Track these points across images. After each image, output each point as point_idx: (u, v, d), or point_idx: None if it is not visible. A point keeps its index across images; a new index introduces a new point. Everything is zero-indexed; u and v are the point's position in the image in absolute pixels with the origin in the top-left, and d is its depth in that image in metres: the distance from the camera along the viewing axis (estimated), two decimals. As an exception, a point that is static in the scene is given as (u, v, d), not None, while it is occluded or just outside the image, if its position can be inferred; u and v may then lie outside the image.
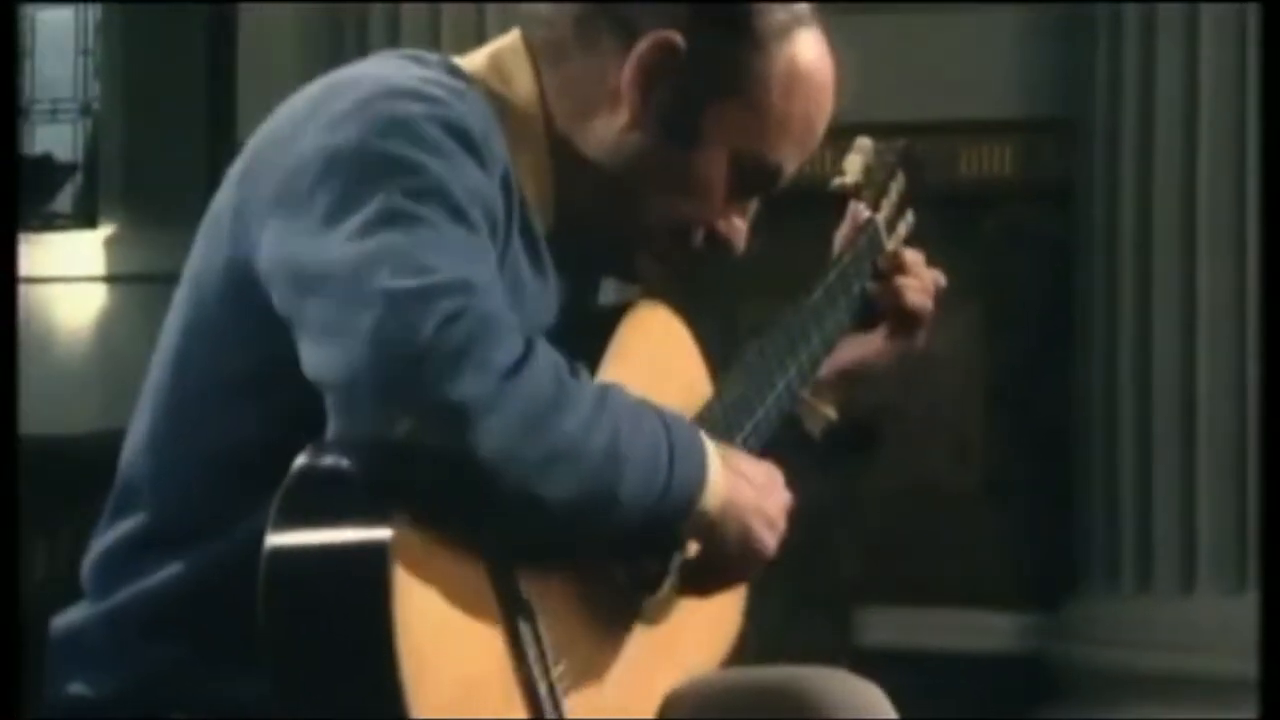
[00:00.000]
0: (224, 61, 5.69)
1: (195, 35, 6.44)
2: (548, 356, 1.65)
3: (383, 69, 1.83)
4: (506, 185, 1.77)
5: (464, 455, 1.58)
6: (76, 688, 1.80)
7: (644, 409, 1.73)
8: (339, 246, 1.64)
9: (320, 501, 1.61)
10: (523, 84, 1.88)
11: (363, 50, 3.94)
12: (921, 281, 2.19)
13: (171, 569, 1.77)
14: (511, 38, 1.91)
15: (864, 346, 2.19)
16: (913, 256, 2.21)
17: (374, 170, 1.68)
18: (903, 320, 2.19)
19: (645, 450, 1.70)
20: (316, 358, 1.64)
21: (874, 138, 2.27)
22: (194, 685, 1.74)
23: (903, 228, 2.29)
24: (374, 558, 1.58)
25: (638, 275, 1.95)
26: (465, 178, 1.70)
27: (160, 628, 1.76)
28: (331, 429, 1.62)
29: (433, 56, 1.87)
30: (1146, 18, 4.50)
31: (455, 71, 1.85)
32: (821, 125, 1.93)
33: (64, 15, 6.98)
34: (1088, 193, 4.64)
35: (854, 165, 2.23)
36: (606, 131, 1.86)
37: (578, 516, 1.66)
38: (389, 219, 1.64)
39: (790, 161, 1.91)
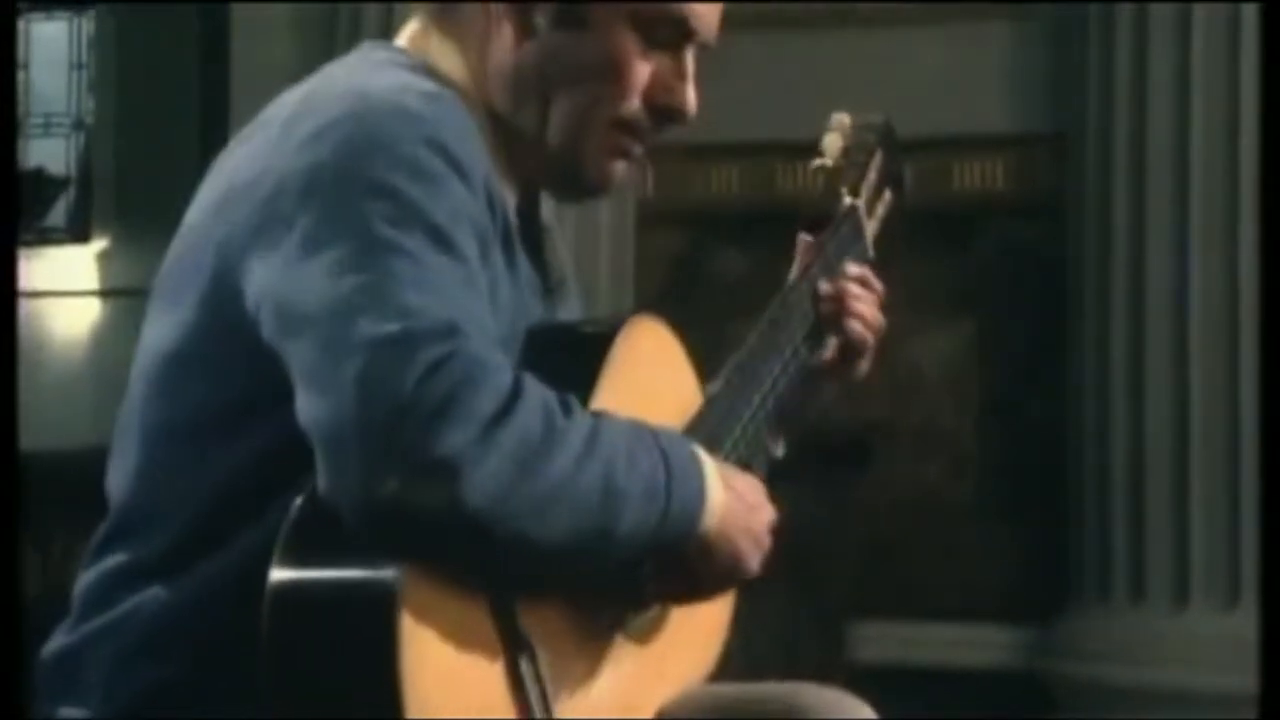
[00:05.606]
0: (217, 76, 5.68)
1: (188, 49, 6.43)
2: (536, 395, 1.62)
3: (357, 74, 1.79)
4: (489, 192, 1.75)
5: (455, 509, 1.56)
6: (66, 710, 1.79)
7: (640, 436, 1.70)
8: (320, 282, 1.62)
9: (325, 538, 1.59)
10: (455, 66, 1.85)
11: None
12: (863, 310, 2.09)
13: (160, 594, 1.75)
14: (420, 27, 1.87)
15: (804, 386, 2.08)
16: (854, 291, 2.09)
17: (353, 196, 1.65)
18: (845, 353, 2.09)
19: (642, 481, 1.67)
20: (305, 408, 1.61)
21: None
22: (182, 709, 1.73)
23: (881, 208, 2.24)
24: (379, 596, 1.57)
25: (606, 186, 1.89)
26: (448, 198, 1.68)
27: (149, 652, 1.75)
28: (321, 485, 1.59)
29: (405, 58, 1.84)
30: (1138, 28, 4.50)
31: (431, 73, 1.82)
32: None
33: (57, 29, 6.97)
34: (1080, 206, 4.64)
35: (833, 146, 2.18)
36: (505, 56, 1.83)
37: (576, 555, 1.65)
38: (369, 250, 1.62)
39: None
